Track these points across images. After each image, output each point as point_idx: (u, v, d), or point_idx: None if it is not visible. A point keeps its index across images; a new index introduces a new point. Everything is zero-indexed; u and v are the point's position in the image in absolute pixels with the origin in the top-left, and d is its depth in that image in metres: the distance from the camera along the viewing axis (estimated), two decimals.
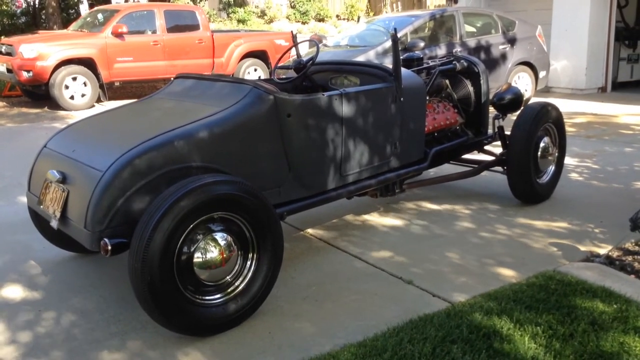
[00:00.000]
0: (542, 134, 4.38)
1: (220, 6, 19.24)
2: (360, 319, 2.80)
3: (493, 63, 8.94)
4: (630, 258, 3.42)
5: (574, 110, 9.00)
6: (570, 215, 4.20)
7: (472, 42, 8.88)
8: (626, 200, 4.49)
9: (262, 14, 18.75)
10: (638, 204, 3.71)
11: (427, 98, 4.22)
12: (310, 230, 4.02)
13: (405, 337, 2.52)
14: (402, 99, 3.73)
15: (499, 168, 4.55)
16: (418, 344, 2.45)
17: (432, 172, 5.14)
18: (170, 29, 10.82)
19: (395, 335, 2.54)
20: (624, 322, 2.60)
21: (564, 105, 8.84)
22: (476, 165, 4.61)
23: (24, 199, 3.99)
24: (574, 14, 10.61)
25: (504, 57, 9.16)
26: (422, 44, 7.34)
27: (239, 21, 17.83)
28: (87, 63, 9.93)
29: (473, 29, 9.25)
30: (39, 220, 3.37)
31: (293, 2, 19.37)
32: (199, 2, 17.83)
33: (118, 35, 10.18)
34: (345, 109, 3.39)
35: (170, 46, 10.73)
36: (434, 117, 4.34)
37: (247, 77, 11.51)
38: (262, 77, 11.51)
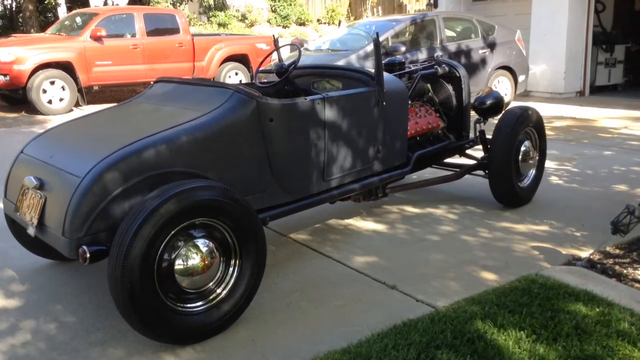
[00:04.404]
0: (523, 138, 4.41)
1: (201, 10, 19.17)
2: (344, 324, 2.78)
3: (473, 67, 9.02)
4: (611, 261, 3.45)
5: (554, 114, 9.10)
6: (551, 218, 4.23)
7: (452, 47, 8.95)
8: (606, 203, 4.54)
9: (243, 18, 18.72)
10: (618, 207, 3.74)
11: (410, 102, 4.22)
12: (293, 236, 3.99)
13: (390, 343, 2.50)
14: (384, 103, 3.72)
15: (481, 172, 4.57)
16: (403, 350, 2.44)
17: (415, 176, 5.15)
18: (150, 33, 10.73)
19: (379, 341, 2.53)
20: (607, 326, 2.61)
21: (543, 109, 8.92)
22: (458, 169, 4.62)
23: (0, 206, 3.91)
24: (552, 19, 10.74)
25: (483, 61, 9.23)
26: (403, 48, 7.37)
27: (219, 25, 17.78)
28: (66, 67, 9.80)
29: (453, 34, 9.32)
30: (16, 228, 3.29)
31: (274, 6, 19.36)
32: (179, 6, 17.74)
33: (97, 38, 10.07)
34: (327, 113, 3.37)
35: (150, 50, 10.64)
36: (416, 121, 4.35)
37: (228, 81, 11.45)
38: (244, 81, 11.46)
